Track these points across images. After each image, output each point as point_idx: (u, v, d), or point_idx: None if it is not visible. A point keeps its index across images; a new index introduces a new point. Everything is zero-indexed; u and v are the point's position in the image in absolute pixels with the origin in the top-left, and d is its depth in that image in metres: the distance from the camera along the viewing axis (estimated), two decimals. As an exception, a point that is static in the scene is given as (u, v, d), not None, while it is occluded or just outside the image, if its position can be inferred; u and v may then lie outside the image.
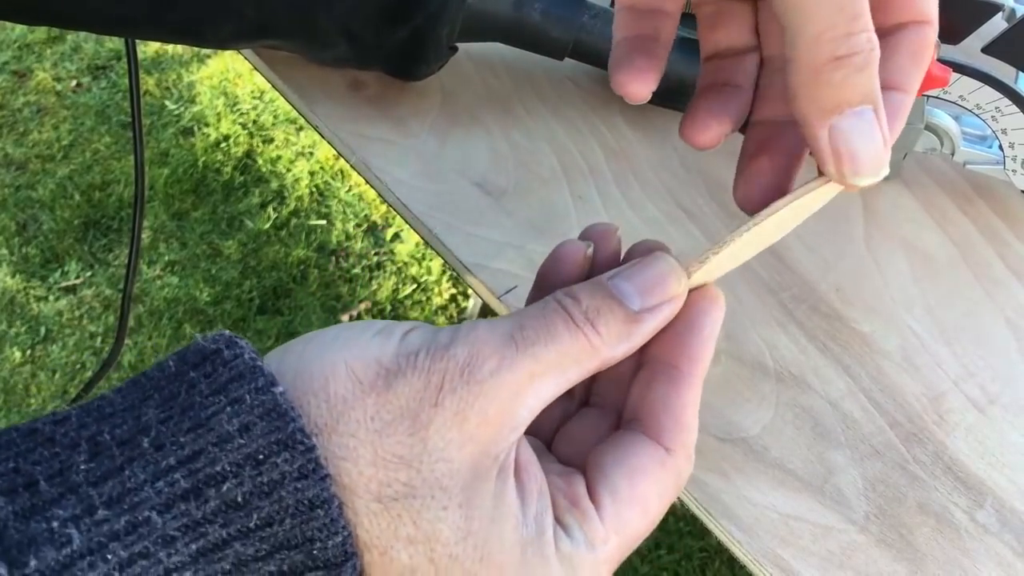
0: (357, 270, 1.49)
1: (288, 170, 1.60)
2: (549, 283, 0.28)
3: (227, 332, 0.23)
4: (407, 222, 0.47)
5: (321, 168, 1.60)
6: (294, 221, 1.54)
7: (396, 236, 1.54)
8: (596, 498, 0.25)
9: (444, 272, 1.49)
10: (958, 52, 0.46)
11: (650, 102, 0.29)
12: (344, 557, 0.21)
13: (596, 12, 0.49)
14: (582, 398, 0.30)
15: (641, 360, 0.27)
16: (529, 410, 0.23)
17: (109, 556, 0.19)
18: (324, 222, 1.55)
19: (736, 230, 0.26)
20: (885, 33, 0.25)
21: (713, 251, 0.26)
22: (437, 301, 1.46)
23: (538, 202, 0.48)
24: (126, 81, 1.55)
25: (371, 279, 1.49)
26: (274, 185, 1.58)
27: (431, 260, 1.50)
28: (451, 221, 0.46)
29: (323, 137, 0.51)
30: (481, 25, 0.48)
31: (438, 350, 0.23)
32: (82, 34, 1.74)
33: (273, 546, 0.21)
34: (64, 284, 1.46)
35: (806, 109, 0.24)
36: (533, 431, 0.29)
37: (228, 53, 1.68)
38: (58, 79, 1.71)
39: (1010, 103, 0.46)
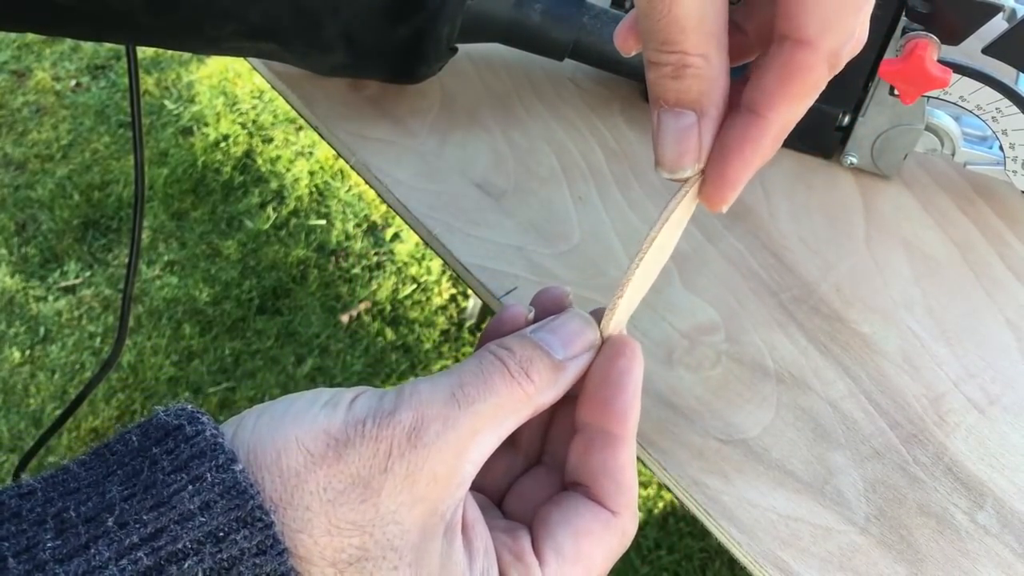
0: (357, 270, 1.49)
1: (288, 170, 1.60)
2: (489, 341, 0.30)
3: (188, 406, 0.23)
4: (407, 223, 0.47)
5: (321, 168, 1.60)
6: (294, 221, 1.54)
7: (396, 236, 1.54)
8: (541, 555, 0.26)
9: (444, 272, 1.48)
10: (958, 53, 0.46)
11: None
12: None
13: (596, 13, 0.49)
14: (532, 457, 0.31)
15: (575, 427, 0.29)
16: (473, 464, 0.25)
17: None
18: (324, 222, 1.55)
19: (627, 270, 0.29)
20: (769, 48, 0.26)
21: (617, 296, 0.29)
22: (437, 301, 1.46)
23: (538, 203, 0.48)
24: (125, 81, 1.55)
25: (371, 279, 1.49)
26: (274, 185, 1.58)
27: (431, 260, 1.50)
28: (451, 222, 0.46)
29: (322, 137, 0.51)
30: (481, 26, 0.48)
31: (384, 417, 0.24)
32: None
33: None
34: (63, 284, 1.45)
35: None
36: (479, 487, 0.30)
37: (228, 53, 1.67)
38: (57, 79, 1.71)
39: (1010, 104, 0.46)
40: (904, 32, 0.45)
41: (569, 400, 0.29)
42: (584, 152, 0.51)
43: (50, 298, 1.44)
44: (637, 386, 0.29)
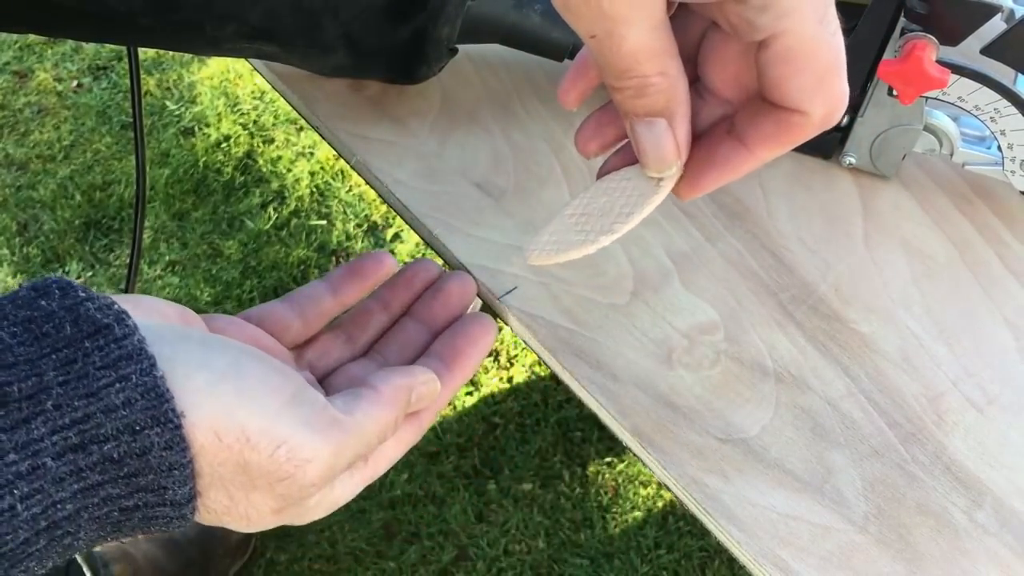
0: (357, 270, 1.49)
1: (288, 170, 1.60)
2: None
3: (113, 303, 0.27)
4: (407, 223, 0.47)
5: (321, 168, 1.60)
6: (294, 221, 1.54)
7: (396, 236, 1.54)
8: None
9: (444, 272, 1.48)
10: (957, 53, 0.46)
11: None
12: (188, 499, 0.28)
13: (596, 13, 0.49)
14: (360, 352, 0.40)
15: (429, 350, 0.40)
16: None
17: (15, 491, 0.24)
18: (324, 222, 1.55)
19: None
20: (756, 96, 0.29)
21: (612, 234, 0.33)
22: (437, 301, 1.46)
23: (538, 203, 0.48)
24: (127, 81, 1.55)
25: (371, 279, 1.49)
26: (274, 185, 1.58)
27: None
28: (451, 222, 0.47)
29: (323, 138, 0.51)
30: (482, 27, 0.48)
31: (296, 460, 0.29)
32: (83, 34, 1.73)
33: (134, 488, 0.26)
34: (65, 284, 1.45)
35: None
36: (311, 367, 0.39)
37: (229, 53, 1.67)
38: (59, 79, 1.71)
39: (1009, 104, 0.46)
40: (903, 33, 0.46)
41: (414, 325, 0.42)
42: (584, 152, 0.51)
43: (52, 298, 1.43)
44: (485, 348, 0.41)
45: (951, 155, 0.50)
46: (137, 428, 0.26)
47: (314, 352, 0.40)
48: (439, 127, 0.51)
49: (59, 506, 0.25)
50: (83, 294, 0.27)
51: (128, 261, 0.60)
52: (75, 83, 1.72)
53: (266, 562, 1.15)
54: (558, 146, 0.51)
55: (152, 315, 0.31)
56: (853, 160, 0.51)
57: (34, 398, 0.25)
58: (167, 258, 1.48)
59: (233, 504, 0.29)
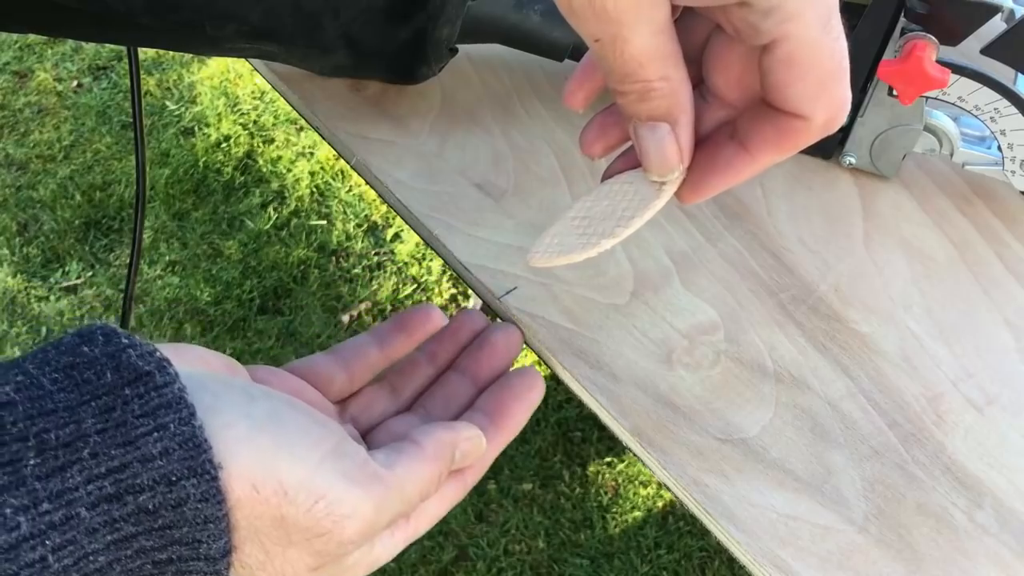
0: (357, 270, 1.50)
1: (288, 170, 1.60)
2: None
3: (155, 351, 0.27)
4: (407, 223, 0.47)
5: (321, 168, 1.60)
6: (294, 221, 1.54)
7: (396, 236, 1.54)
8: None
9: (444, 272, 1.49)
10: (957, 53, 0.46)
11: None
12: (223, 553, 0.27)
13: (596, 13, 0.49)
14: (405, 406, 0.39)
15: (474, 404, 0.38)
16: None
17: (47, 542, 0.23)
18: (324, 222, 1.55)
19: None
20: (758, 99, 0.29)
21: (614, 238, 0.33)
22: (437, 301, 1.46)
23: (538, 203, 0.48)
24: (127, 81, 1.55)
25: (371, 279, 1.49)
26: (274, 185, 1.58)
27: (431, 260, 1.50)
28: (451, 222, 0.47)
29: (323, 138, 0.51)
30: (482, 27, 0.48)
31: (335, 516, 0.29)
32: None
33: (169, 541, 0.26)
34: (65, 284, 1.46)
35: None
36: (355, 421, 0.38)
37: (229, 53, 1.67)
38: (59, 79, 1.71)
39: (1009, 104, 0.46)
40: (903, 33, 0.46)
41: (458, 377, 0.40)
42: (584, 152, 0.51)
43: (52, 298, 1.44)
44: (533, 404, 0.39)
45: (951, 155, 0.50)
46: (173, 479, 0.25)
47: (357, 406, 0.39)
48: (439, 127, 0.51)
49: (91, 558, 0.25)
50: (126, 341, 0.26)
51: (128, 261, 0.60)
52: (75, 83, 1.72)
53: (266, 562, 1.15)
54: (558, 146, 0.51)
55: (196, 364, 0.31)
56: (853, 160, 0.51)
57: (71, 446, 0.24)
58: (167, 258, 1.48)
59: (269, 559, 0.28)
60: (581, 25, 0.26)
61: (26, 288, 1.44)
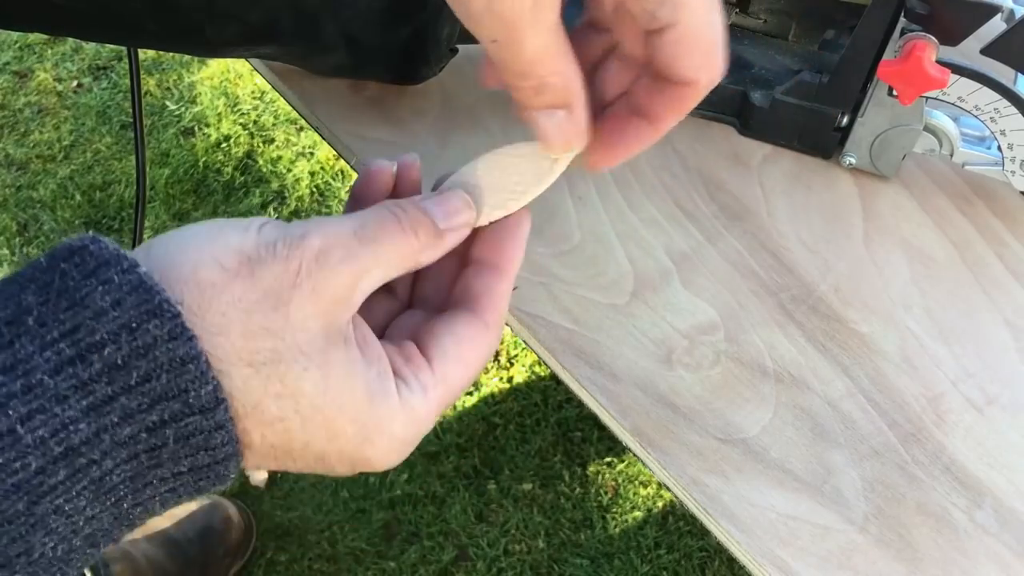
0: (358, 270, 1.49)
1: (289, 170, 1.60)
2: (364, 196, 0.34)
3: (89, 232, 0.26)
4: (407, 223, 0.47)
5: (321, 168, 1.60)
6: (295, 221, 1.54)
7: (396, 236, 1.54)
8: (428, 355, 0.31)
9: (444, 272, 1.48)
10: (957, 53, 0.46)
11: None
12: (215, 402, 0.25)
13: (596, 13, 0.49)
14: (405, 303, 0.36)
15: (467, 261, 0.34)
16: (362, 293, 0.28)
17: (10, 412, 0.22)
18: (325, 222, 1.55)
19: (518, 195, 0.34)
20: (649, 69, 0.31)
21: (504, 210, 0.33)
22: (437, 301, 1.46)
23: (538, 202, 0.48)
24: (127, 81, 1.55)
25: (371, 279, 1.49)
26: (275, 185, 1.58)
27: (431, 260, 1.50)
28: (451, 222, 0.47)
29: (323, 138, 0.51)
30: (481, 26, 0.48)
31: (295, 240, 0.27)
32: (83, 34, 1.74)
33: (153, 398, 0.24)
34: (65, 284, 1.45)
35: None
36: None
37: (229, 53, 1.68)
38: (59, 79, 1.72)
39: (1009, 104, 0.46)
40: (903, 33, 0.46)
41: (447, 255, 0.34)
42: (584, 152, 0.51)
43: (52, 298, 1.44)
44: (525, 236, 0.34)
45: (951, 155, 0.50)
46: (134, 325, 0.24)
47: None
48: (439, 127, 0.51)
49: (71, 427, 0.23)
50: (66, 240, 0.26)
51: (128, 261, 0.60)
52: (75, 83, 1.72)
53: (266, 562, 1.15)
54: (558, 146, 0.51)
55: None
56: (853, 160, 0.51)
57: (15, 322, 0.24)
58: (167, 258, 1.48)
59: (284, 387, 0.26)
60: (478, 28, 0.28)
61: (26, 288, 1.44)
